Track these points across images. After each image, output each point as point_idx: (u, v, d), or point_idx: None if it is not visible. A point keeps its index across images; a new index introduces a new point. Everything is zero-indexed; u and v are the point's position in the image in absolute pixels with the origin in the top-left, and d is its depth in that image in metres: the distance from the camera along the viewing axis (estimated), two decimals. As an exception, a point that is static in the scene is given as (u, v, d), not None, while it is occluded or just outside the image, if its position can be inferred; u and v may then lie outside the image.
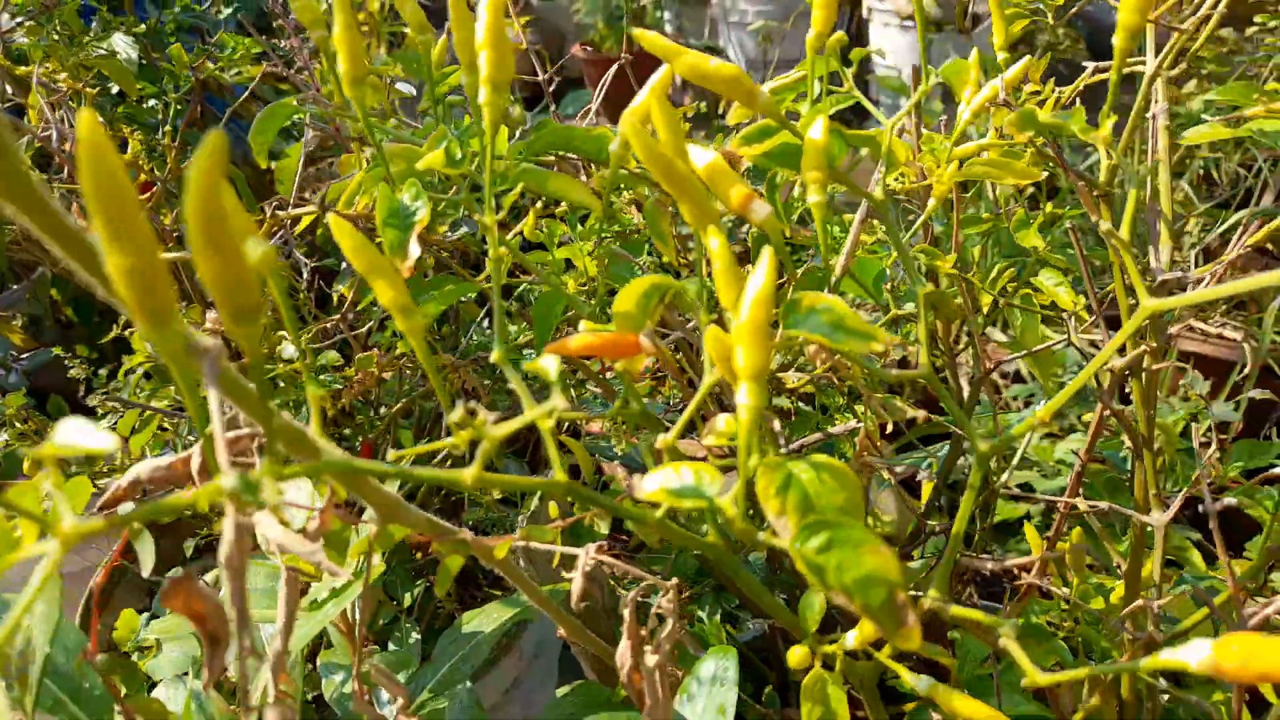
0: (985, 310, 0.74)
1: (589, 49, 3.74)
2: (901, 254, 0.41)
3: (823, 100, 0.43)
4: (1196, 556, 0.83)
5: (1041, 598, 0.70)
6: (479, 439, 0.35)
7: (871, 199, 0.44)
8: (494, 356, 0.42)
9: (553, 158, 0.70)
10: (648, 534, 0.53)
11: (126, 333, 1.05)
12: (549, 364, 0.35)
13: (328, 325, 0.75)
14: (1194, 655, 0.30)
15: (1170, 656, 0.31)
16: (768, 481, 0.36)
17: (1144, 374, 0.56)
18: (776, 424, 0.49)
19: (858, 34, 3.49)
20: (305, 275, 0.81)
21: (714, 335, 0.34)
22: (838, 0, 0.42)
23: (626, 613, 0.47)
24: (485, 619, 0.68)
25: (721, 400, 0.59)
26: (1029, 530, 0.64)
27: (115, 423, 0.95)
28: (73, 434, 0.27)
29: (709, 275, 0.40)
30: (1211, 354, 1.82)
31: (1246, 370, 1.46)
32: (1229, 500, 0.53)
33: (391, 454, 0.35)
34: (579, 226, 0.73)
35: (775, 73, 3.00)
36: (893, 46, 3.23)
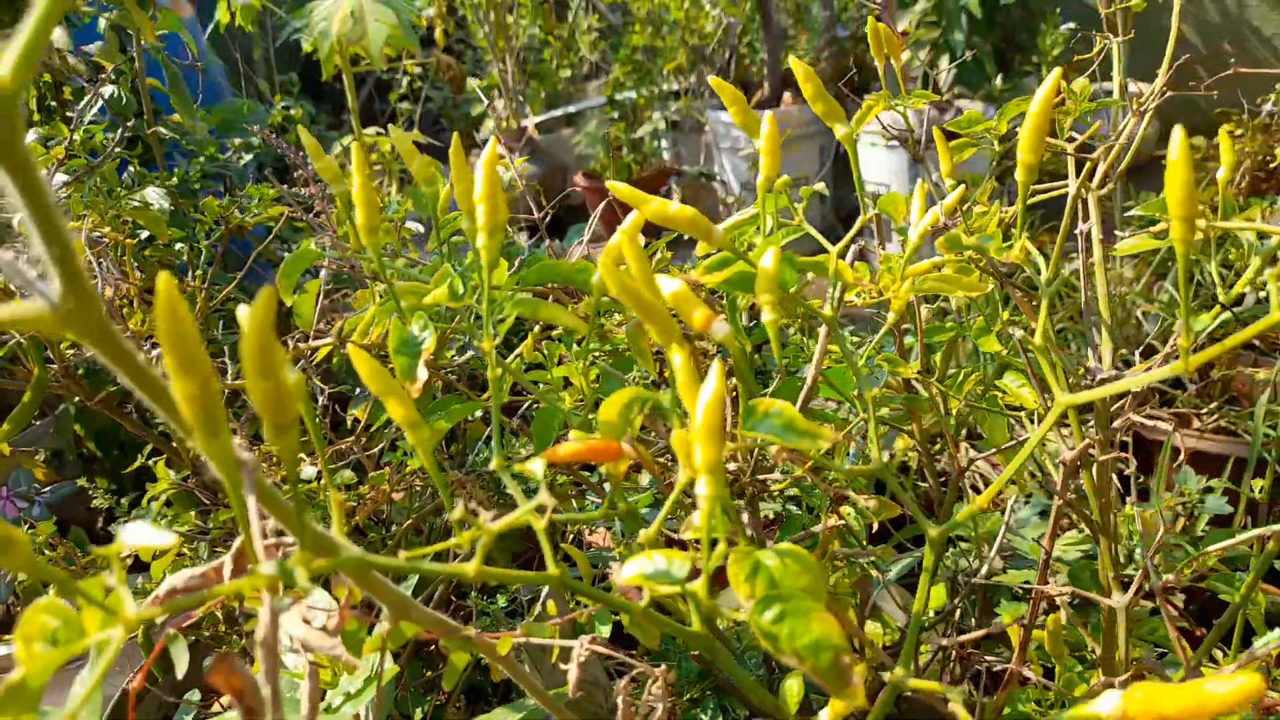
0: (954, 412, 0.79)
1: (589, 178, 3.92)
2: (850, 362, 0.47)
3: (774, 234, 0.50)
4: (1171, 640, 0.86)
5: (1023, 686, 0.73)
6: (481, 540, 0.40)
7: (822, 316, 0.50)
8: (493, 464, 0.47)
9: (550, 286, 0.77)
10: (644, 634, 0.57)
11: (150, 462, 1.10)
12: (536, 467, 0.40)
13: (342, 447, 0.81)
14: (1106, 705, 0.35)
15: (1090, 710, 0.35)
16: (738, 569, 0.41)
17: (1095, 465, 0.61)
18: (746, 517, 0.54)
19: (845, 153, 3.67)
20: (321, 401, 0.87)
21: (679, 438, 0.39)
22: (779, 152, 0.50)
23: (620, 701, 0.50)
24: (493, 724, 0.71)
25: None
26: (1005, 616, 0.68)
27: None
28: (138, 534, 0.32)
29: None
30: (1207, 449, 1.86)
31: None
32: (1192, 585, 0.57)
33: (403, 554, 0.40)
34: (574, 347, 0.79)
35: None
36: (877, 164, 3.39)
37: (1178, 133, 0.35)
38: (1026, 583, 1.22)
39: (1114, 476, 1.28)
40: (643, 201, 0.47)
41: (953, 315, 0.85)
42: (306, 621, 0.46)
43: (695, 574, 0.39)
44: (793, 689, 0.51)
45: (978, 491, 1.42)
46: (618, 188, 0.47)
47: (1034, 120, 0.43)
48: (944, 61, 4.16)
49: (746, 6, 4.23)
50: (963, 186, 0.63)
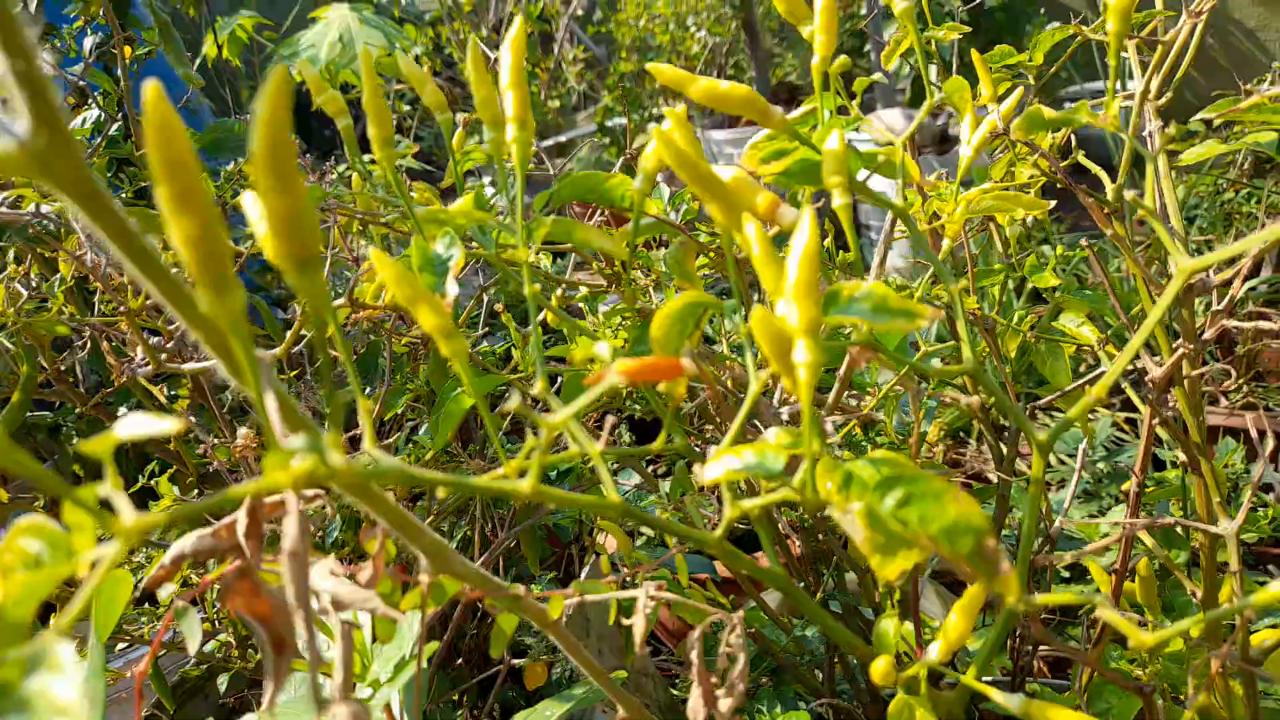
0: (1013, 355, 0.74)
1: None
2: (924, 246, 0.42)
3: (833, 119, 0.45)
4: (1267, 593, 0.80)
5: (1116, 643, 0.67)
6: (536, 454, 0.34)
7: (893, 206, 0.45)
8: (536, 389, 0.42)
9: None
10: (728, 558, 0.51)
11: (152, 482, 1.04)
12: (607, 373, 0.35)
13: (356, 433, 0.75)
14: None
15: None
16: (828, 478, 0.35)
17: (1186, 381, 0.56)
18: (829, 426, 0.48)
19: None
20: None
21: (760, 316, 0.34)
22: (835, 29, 0.45)
23: (694, 655, 0.44)
24: (538, 718, 0.65)
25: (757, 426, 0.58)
26: (1092, 565, 0.62)
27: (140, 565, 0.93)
28: (135, 424, 0.27)
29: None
30: (1237, 426, 1.80)
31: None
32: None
33: (440, 477, 0.34)
34: (599, 314, 0.74)
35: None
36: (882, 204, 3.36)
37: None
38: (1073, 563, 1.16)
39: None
40: (690, 82, 0.42)
41: (999, 256, 0.80)
42: (335, 575, 0.40)
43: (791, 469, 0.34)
44: (888, 631, 0.45)
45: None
46: (660, 70, 0.42)
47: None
48: (933, 69, 4.17)
49: (732, 26, 4.24)
50: (1019, 90, 0.58)
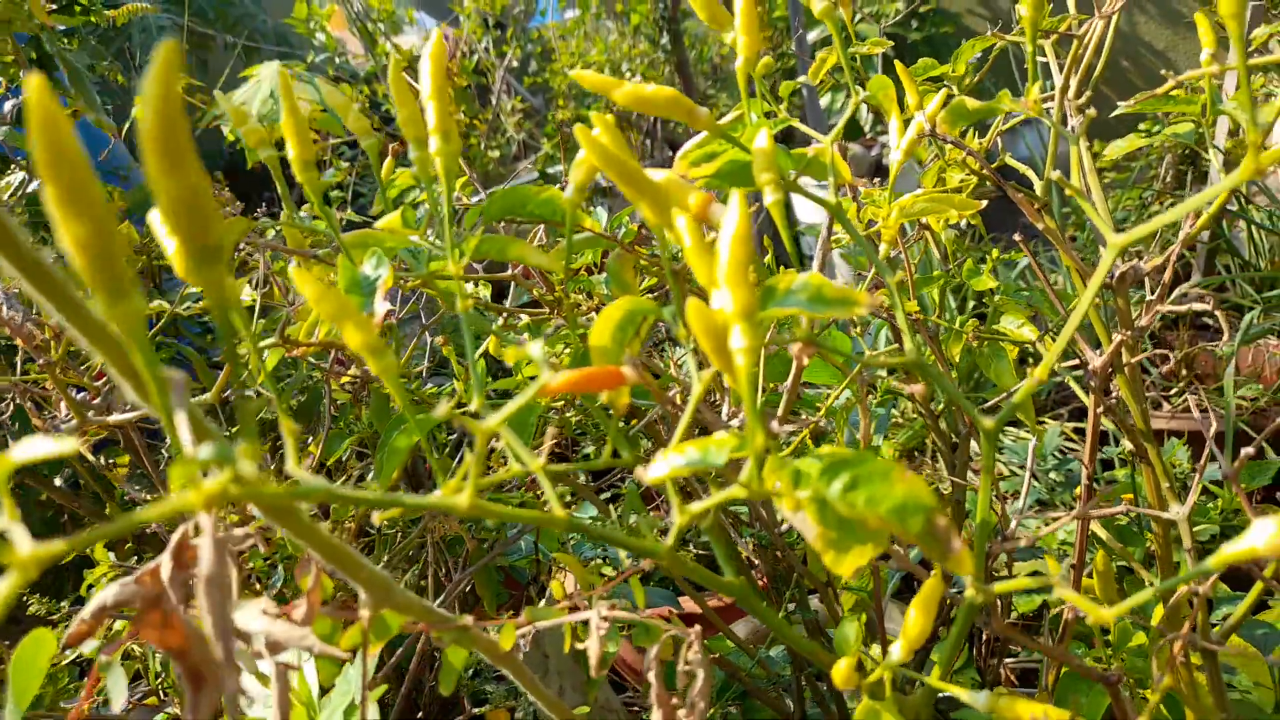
0: (957, 359, 0.74)
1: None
2: (859, 240, 0.42)
3: (760, 120, 0.45)
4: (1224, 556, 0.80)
5: (1080, 640, 0.66)
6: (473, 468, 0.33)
7: (826, 204, 0.45)
8: (473, 404, 0.40)
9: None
10: (677, 566, 0.50)
11: (87, 550, 1.00)
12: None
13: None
14: (1260, 538, 0.28)
15: (1242, 547, 0.29)
16: (776, 477, 0.34)
17: (1126, 369, 0.56)
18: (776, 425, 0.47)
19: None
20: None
21: (695, 308, 0.33)
22: (758, 29, 0.45)
23: (652, 676, 0.43)
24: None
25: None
26: (1049, 561, 0.61)
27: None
28: (33, 447, 0.25)
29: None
30: (1180, 428, 1.84)
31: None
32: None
33: (373, 496, 0.32)
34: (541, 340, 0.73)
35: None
36: (811, 202, 3.41)
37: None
38: (1036, 572, 1.16)
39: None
40: (614, 86, 0.41)
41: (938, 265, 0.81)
42: (268, 614, 0.38)
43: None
44: (849, 634, 0.43)
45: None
46: (584, 77, 0.42)
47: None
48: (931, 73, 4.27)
49: (665, 70, 4.31)
50: (944, 92, 0.59)
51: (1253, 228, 2.29)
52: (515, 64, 4.89)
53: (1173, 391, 2.02)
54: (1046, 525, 0.86)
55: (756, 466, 0.31)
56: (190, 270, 0.23)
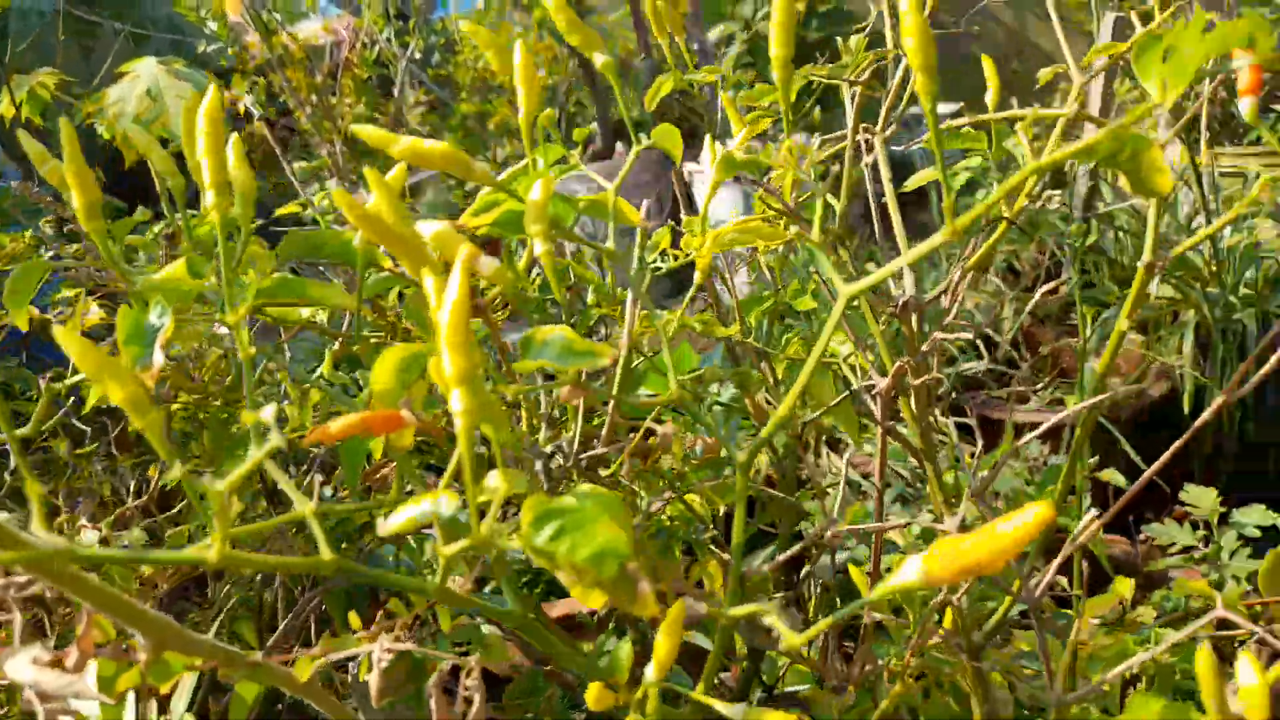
0: (781, 378, 0.78)
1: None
2: (634, 283, 0.44)
3: (542, 169, 0.47)
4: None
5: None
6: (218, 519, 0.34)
7: (605, 251, 0.47)
8: (171, 475, 0.42)
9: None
10: (443, 615, 0.52)
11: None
12: (266, 412, 0.35)
13: (128, 511, 0.72)
14: (910, 572, 0.32)
15: (895, 582, 0.33)
16: (532, 516, 0.37)
17: (911, 391, 0.60)
18: (540, 466, 0.50)
19: (687, 193, 3.76)
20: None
21: (435, 365, 0.35)
22: (537, 84, 0.47)
23: (433, 702, 0.45)
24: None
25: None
26: (853, 570, 0.66)
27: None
28: None
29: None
30: (1038, 420, 1.95)
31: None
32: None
33: (117, 554, 0.34)
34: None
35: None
36: (717, 199, 3.47)
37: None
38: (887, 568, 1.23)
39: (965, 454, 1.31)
40: (391, 141, 0.43)
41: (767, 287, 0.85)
42: (38, 663, 0.39)
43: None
44: (622, 654, 0.46)
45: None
46: (363, 131, 0.44)
47: (779, 14, 0.42)
48: (765, 100, 4.35)
49: (570, 65, 4.31)
50: (760, 120, 0.62)
51: (1118, 232, 2.43)
52: (418, 56, 4.82)
53: (1040, 386, 2.13)
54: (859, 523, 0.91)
55: (476, 518, 0.34)
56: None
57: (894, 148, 0.80)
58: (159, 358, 0.42)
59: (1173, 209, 2.29)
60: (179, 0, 3.57)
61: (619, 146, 3.91)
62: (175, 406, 0.72)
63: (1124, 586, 1.20)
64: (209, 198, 0.42)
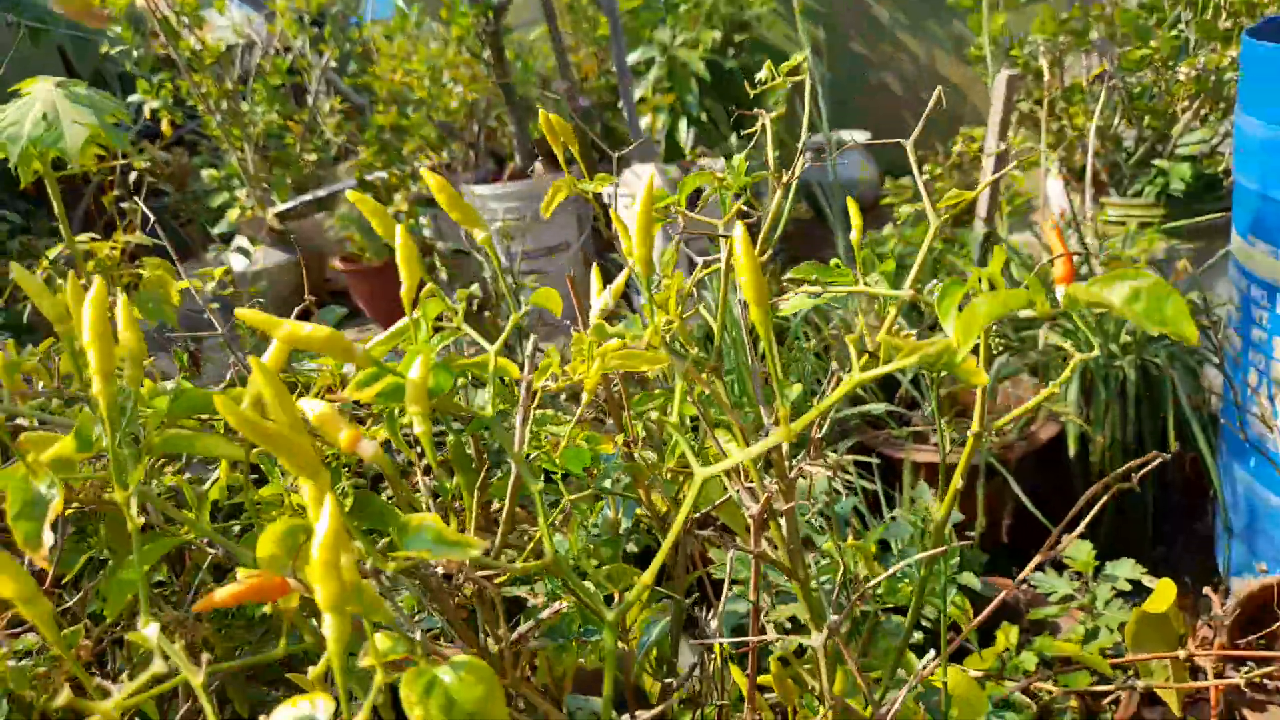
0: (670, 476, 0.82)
1: (348, 260, 3.82)
2: (505, 441, 0.48)
3: (424, 342, 0.50)
4: (911, 659, 0.93)
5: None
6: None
7: (479, 415, 0.51)
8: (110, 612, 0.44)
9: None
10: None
11: None
12: (150, 631, 0.38)
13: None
14: None
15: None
16: (411, 690, 0.40)
17: (782, 515, 0.65)
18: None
19: (606, 214, 3.79)
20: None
21: (312, 569, 0.38)
22: (418, 262, 0.50)
23: None
24: None
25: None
26: (733, 669, 0.70)
27: None
28: None
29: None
30: (935, 460, 2.05)
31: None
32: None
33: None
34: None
35: (521, 263, 3.17)
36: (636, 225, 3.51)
37: (739, 233, 0.38)
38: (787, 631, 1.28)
39: (861, 494, 1.37)
40: (275, 326, 0.46)
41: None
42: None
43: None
44: None
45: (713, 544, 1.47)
46: (248, 315, 0.46)
47: (639, 220, 0.46)
48: (683, 124, 4.42)
49: (489, 83, 4.30)
50: (624, 276, 0.66)
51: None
52: (334, 64, 4.75)
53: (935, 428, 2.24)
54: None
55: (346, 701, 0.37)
56: None
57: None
58: (49, 537, 0.44)
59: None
60: None
61: (537, 166, 3.93)
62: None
63: (1008, 636, 1.28)
64: (96, 384, 0.44)
